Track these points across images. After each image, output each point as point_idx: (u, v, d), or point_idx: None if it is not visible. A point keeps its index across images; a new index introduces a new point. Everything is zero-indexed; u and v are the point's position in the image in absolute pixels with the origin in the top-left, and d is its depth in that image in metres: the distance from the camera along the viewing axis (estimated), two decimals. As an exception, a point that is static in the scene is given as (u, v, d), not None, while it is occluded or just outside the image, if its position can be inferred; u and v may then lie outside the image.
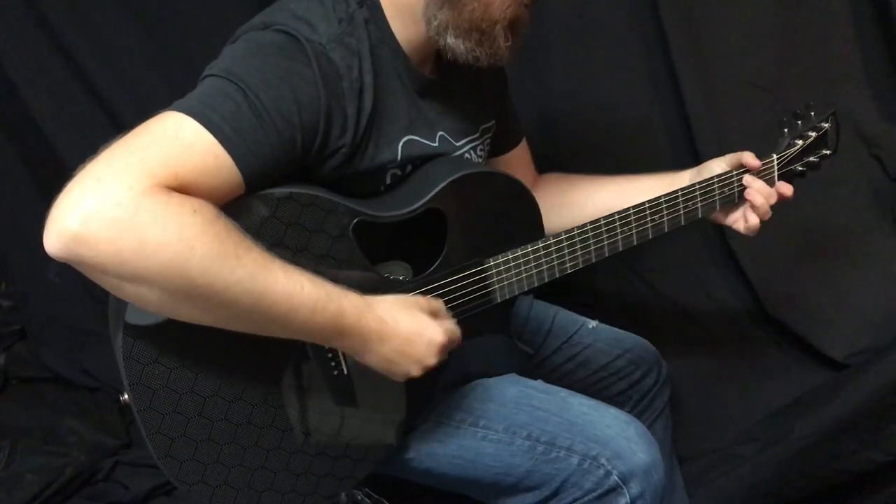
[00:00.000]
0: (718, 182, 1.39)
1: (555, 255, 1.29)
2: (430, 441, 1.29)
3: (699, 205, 1.39)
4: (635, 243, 1.36)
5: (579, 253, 1.31)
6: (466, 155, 1.34)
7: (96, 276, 0.92)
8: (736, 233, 1.45)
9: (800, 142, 1.44)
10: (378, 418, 1.23)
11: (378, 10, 1.17)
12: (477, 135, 1.37)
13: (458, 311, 1.23)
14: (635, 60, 1.91)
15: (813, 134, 1.45)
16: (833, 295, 1.92)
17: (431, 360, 1.11)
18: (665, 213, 1.36)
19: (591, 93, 1.95)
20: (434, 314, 1.13)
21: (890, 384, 1.61)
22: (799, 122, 1.45)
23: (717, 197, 1.40)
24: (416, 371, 1.11)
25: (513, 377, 1.37)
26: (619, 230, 1.33)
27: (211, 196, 0.97)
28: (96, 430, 2.13)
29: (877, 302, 1.87)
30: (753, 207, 1.39)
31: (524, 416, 1.29)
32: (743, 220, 1.42)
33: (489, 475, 1.28)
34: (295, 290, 0.99)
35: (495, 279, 1.26)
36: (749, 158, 1.39)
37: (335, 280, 1.05)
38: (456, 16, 1.15)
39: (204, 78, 1.07)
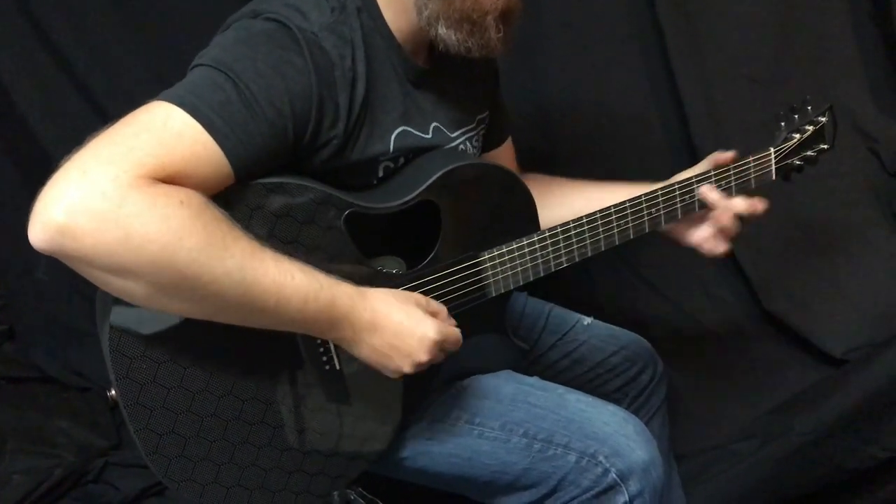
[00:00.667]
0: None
1: (550, 249, 1.27)
2: (424, 439, 1.27)
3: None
4: (632, 237, 1.34)
5: (575, 246, 1.29)
6: (461, 146, 1.32)
7: (82, 269, 0.90)
8: None
9: (797, 136, 1.42)
10: (371, 415, 1.21)
11: None
12: (473, 125, 1.36)
13: (452, 305, 1.21)
14: (632, 54, 1.91)
15: (810, 128, 1.43)
16: (831, 290, 1.92)
17: (423, 356, 1.08)
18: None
19: (587, 87, 1.95)
20: (433, 314, 1.11)
21: (889, 380, 1.61)
22: (796, 116, 1.44)
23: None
24: (407, 367, 1.08)
25: (508, 374, 1.35)
26: (615, 223, 1.31)
27: (199, 187, 0.96)
28: (86, 430, 2.09)
29: (875, 297, 1.87)
30: (710, 204, 1.35)
31: (520, 413, 1.27)
32: (711, 244, 1.39)
33: (485, 473, 1.26)
34: (285, 281, 0.97)
35: (490, 273, 1.24)
36: (719, 154, 1.37)
37: (327, 272, 1.03)
38: (447, 6, 1.14)
39: (193, 67, 1.05)
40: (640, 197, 1.32)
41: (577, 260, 1.31)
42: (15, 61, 2.02)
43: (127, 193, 0.87)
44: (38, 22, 1.99)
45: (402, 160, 1.22)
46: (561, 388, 1.33)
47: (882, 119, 1.88)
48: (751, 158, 1.39)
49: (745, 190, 1.39)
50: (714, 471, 1.77)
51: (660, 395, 1.66)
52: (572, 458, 1.23)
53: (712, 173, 1.36)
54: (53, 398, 2.23)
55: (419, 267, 1.19)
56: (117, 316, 1.01)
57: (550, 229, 1.26)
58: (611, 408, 1.30)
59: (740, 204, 1.36)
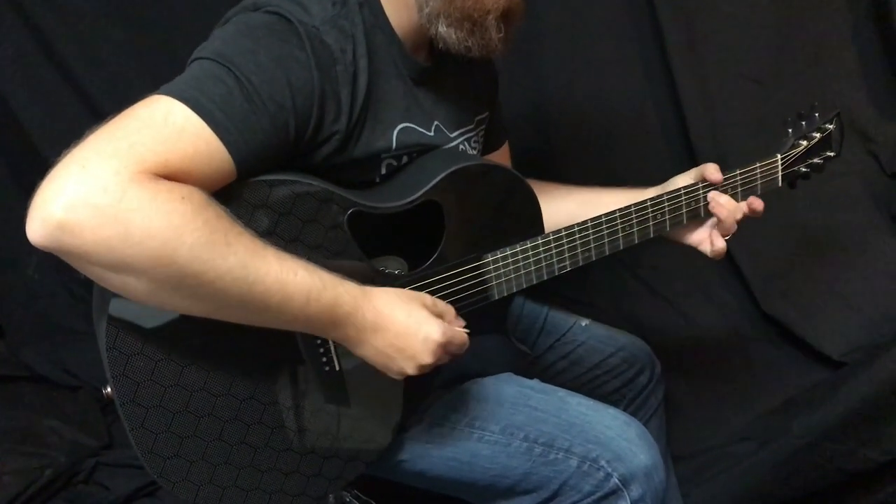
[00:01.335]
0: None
1: (554, 252, 1.26)
2: (424, 442, 1.26)
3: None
4: (636, 241, 1.33)
5: (579, 250, 1.28)
6: (461, 147, 1.31)
7: (81, 266, 0.88)
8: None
9: (804, 142, 1.41)
10: (370, 417, 1.20)
11: None
12: (472, 126, 1.34)
13: (455, 307, 1.19)
14: (630, 53, 1.91)
15: (817, 135, 1.42)
16: (829, 292, 1.91)
17: (427, 358, 1.05)
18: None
19: (585, 86, 1.94)
20: (439, 315, 1.09)
21: (888, 383, 1.60)
22: (803, 122, 1.43)
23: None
24: (411, 368, 1.06)
25: (509, 377, 1.34)
26: (619, 227, 1.30)
27: (201, 183, 0.94)
28: (76, 430, 2.08)
29: (873, 299, 1.87)
30: (719, 222, 1.36)
31: (521, 416, 1.26)
32: (709, 242, 1.39)
33: (485, 477, 1.25)
34: (288, 279, 0.96)
35: (493, 275, 1.23)
36: (711, 172, 1.35)
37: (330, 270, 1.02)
38: (447, 4, 1.13)
39: (193, 61, 1.03)
40: (645, 202, 1.32)
41: (580, 264, 1.30)
42: (7, 60, 2.01)
43: (128, 188, 0.85)
44: (31, 20, 1.98)
45: (404, 158, 1.21)
46: (562, 392, 1.31)
47: (880, 120, 1.87)
48: (757, 165, 1.38)
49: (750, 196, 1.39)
50: (711, 472, 1.77)
51: (657, 397, 1.66)
52: (574, 462, 1.21)
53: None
54: (43, 397, 2.22)
55: (422, 268, 1.18)
56: (115, 312, 0.99)
57: (555, 232, 1.25)
58: (612, 411, 1.29)
59: (745, 207, 1.36)
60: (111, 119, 0.92)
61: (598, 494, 1.21)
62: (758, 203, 1.38)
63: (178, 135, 0.93)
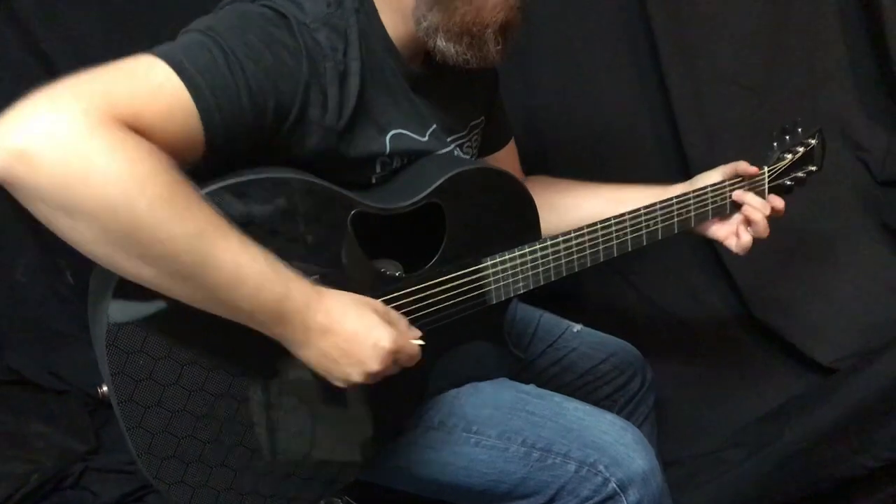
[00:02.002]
0: (712, 191, 1.38)
1: (551, 258, 1.26)
2: (420, 447, 1.25)
3: (692, 213, 1.38)
4: (629, 248, 1.35)
5: (575, 256, 1.28)
6: (455, 153, 1.31)
7: (32, 204, 0.84)
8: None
9: (789, 156, 1.45)
10: (366, 420, 1.19)
11: (368, 1, 1.14)
12: (465, 132, 1.34)
13: (452, 311, 1.20)
14: (623, 60, 1.92)
15: (801, 149, 1.46)
16: (819, 298, 1.92)
17: (375, 365, 1.00)
18: (659, 219, 1.35)
19: (578, 92, 1.94)
20: (391, 324, 1.04)
21: (879, 389, 1.61)
22: (787, 136, 1.46)
23: (710, 206, 1.39)
24: (356, 375, 1.01)
25: (505, 381, 1.34)
26: (614, 234, 1.31)
27: (168, 145, 0.90)
28: (64, 434, 2.06)
29: (863, 306, 1.88)
30: (752, 223, 1.39)
31: (519, 421, 1.25)
32: (735, 237, 1.41)
33: (482, 482, 1.25)
34: (244, 261, 0.92)
35: (491, 280, 1.23)
36: (745, 166, 1.39)
37: (330, 271, 1.02)
38: (446, 19, 1.13)
39: (183, 34, 1.02)
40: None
41: (588, 265, 1.31)
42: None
43: (96, 129, 0.82)
44: (18, 20, 1.97)
45: (397, 162, 1.20)
46: (559, 397, 1.31)
47: (871, 127, 1.89)
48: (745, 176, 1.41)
49: (738, 207, 1.41)
50: (703, 478, 1.78)
51: (649, 403, 1.67)
52: (571, 467, 1.22)
53: (709, 188, 1.38)
54: (30, 401, 2.20)
55: (421, 270, 1.17)
56: (115, 309, 0.97)
57: (552, 237, 1.25)
58: (609, 417, 1.29)
59: (779, 202, 1.41)
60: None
61: (596, 499, 1.21)
62: (779, 201, 1.41)
63: (154, 91, 0.91)
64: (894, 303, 1.85)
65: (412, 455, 1.26)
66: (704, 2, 1.84)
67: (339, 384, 1.04)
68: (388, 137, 1.17)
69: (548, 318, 1.63)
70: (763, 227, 1.39)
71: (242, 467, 1.10)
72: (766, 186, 1.43)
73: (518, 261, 1.24)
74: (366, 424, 1.19)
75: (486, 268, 1.22)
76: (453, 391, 1.30)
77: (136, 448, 1.03)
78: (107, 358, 0.98)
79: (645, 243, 1.36)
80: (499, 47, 1.16)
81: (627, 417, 1.60)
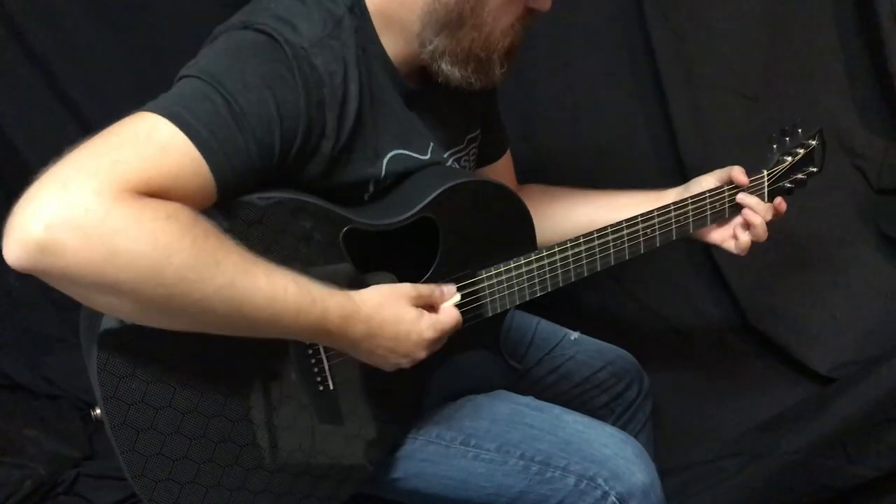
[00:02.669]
0: (710, 197, 1.37)
1: (547, 269, 1.25)
2: (418, 461, 1.25)
3: (690, 220, 1.37)
4: (627, 258, 1.33)
5: (572, 267, 1.27)
6: (454, 167, 1.30)
7: (63, 287, 0.86)
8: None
9: (788, 158, 1.43)
10: (363, 436, 1.19)
11: (367, 20, 1.12)
12: (462, 146, 1.33)
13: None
14: (620, 68, 1.91)
15: (801, 151, 1.44)
16: (816, 307, 1.92)
17: (421, 353, 1.09)
18: (657, 227, 1.34)
19: (575, 100, 1.94)
20: (426, 303, 1.11)
21: (876, 400, 1.62)
22: (787, 138, 1.44)
23: (709, 212, 1.38)
24: (407, 364, 1.09)
25: (503, 394, 1.33)
26: (611, 244, 1.30)
27: (183, 202, 0.91)
28: (57, 440, 2.05)
29: (860, 314, 1.88)
30: (751, 227, 1.37)
31: (517, 434, 1.25)
32: (733, 238, 1.40)
33: (481, 496, 1.24)
34: (277, 295, 0.94)
35: (487, 292, 1.22)
36: (738, 174, 1.37)
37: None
38: (454, 44, 1.12)
39: (180, 78, 1.00)
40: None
41: (585, 275, 1.30)
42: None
43: (112, 208, 0.82)
44: (15, 26, 1.95)
45: (391, 181, 1.18)
46: (558, 409, 1.31)
47: (867, 135, 1.89)
48: None
49: (737, 212, 1.40)
50: (699, 487, 1.77)
51: (645, 411, 1.66)
52: (571, 480, 1.21)
53: (706, 194, 1.36)
54: (23, 407, 2.19)
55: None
56: (107, 333, 0.96)
57: (548, 248, 1.24)
58: (609, 429, 1.29)
59: (781, 204, 1.40)
60: (93, 136, 0.90)
61: (596, 512, 1.20)
62: (783, 204, 1.41)
63: (161, 152, 0.90)
64: (891, 310, 1.85)
65: (410, 469, 1.25)
66: (703, 10, 1.83)
67: (390, 370, 1.11)
68: (385, 161, 1.15)
69: (545, 326, 1.63)
70: (762, 231, 1.37)
71: (237, 487, 1.09)
72: (766, 190, 1.42)
73: (514, 273, 1.23)
74: (363, 439, 1.19)
75: (481, 280, 1.21)
76: (451, 404, 1.29)
77: (131, 471, 1.02)
78: (98, 383, 0.97)
79: (643, 251, 1.35)
80: (503, 69, 1.17)
81: (625, 426, 1.61)
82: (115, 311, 0.90)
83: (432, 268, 1.17)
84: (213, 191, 0.95)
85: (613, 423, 1.57)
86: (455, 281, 1.19)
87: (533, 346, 1.60)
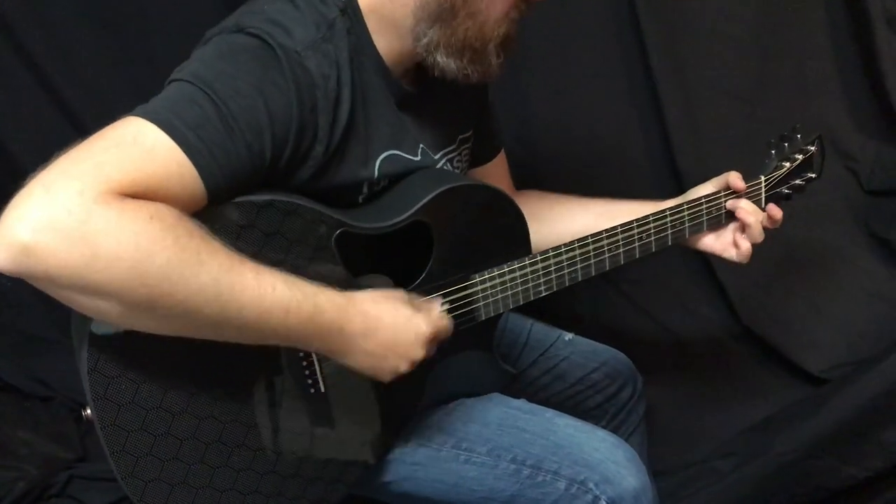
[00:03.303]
0: (706, 202, 1.37)
1: (541, 273, 1.25)
2: (409, 464, 1.25)
3: (686, 224, 1.36)
4: (622, 262, 1.33)
5: (566, 271, 1.27)
6: (445, 167, 1.29)
7: (50, 290, 0.86)
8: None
9: (787, 164, 1.42)
10: (354, 439, 1.18)
11: (359, 21, 1.11)
12: (454, 146, 1.32)
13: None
14: (614, 69, 1.91)
15: (799, 157, 1.43)
16: (810, 308, 1.93)
17: (419, 352, 1.07)
18: (652, 231, 1.33)
19: (569, 104, 1.94)
20: (417, 308, 1.09)
21: (869, 401, 1.62)
22: (786, 144, 1.44)
23: (705, 217, 1.37)
24: (404, 366, 1.07)
25: (496, 397, 1.33)
26: (605, 248, 1.30)
27: (171, 205, 0.91)
28: (50, 442, 2.04)
29: (853, 316, 1.89)
30: (746, 228, 1.37)
31: (509, 438, 1.25)
32: (734, 247, 1.40)
33: (472, 500, 1.24)
34: (265, 293, 0.93)
35: (480, 296, 1.22)
36: (735, 179, 1.37)
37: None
38: (448, 35, 1.11)
39: (171, 82, 1.00)
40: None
41: (579, 279, 1.30)
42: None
43: (93, 209, 0.82)
44: (8, 28, 1.94)
45: (385, 183, 1.18)
46: (550, 412, 1.30)
47: (860, 137, 1.90)
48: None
49: (733, 217, 1.40)
50: (693, 488, 1.78)
51: (639, 412, 1.66)
52: (562, 484, 1.21)
53: (703, 199, 1.37)
54: (15, 408, 2.17)
55: (409, 288, 1.16)
56: (96, 333, 0.96)
57: (542, 252, 1.24)
58: (601, 433, 1.28)
59: (776, 212, 1.40)
60: (81, 141, 0.90)
61: (586, 517, 1.20)
62: (777, 211, 1.40)
63: (146, 155, 0.90)
64: (884, 312, 1.86)
65: (401, 471, 1.25)
66: (696, 13, 1.84)
67: (388, 378, 1.08)
68: (377, 162, 1.15)
69: (539, 328, 1.62)
70: (758, 232, 1.37)
71: (228, 488, 1.09)
72: (763, 196, 1.42)
73: (507, 277, 1.22)
74: (355, 442, 1.18)
75: (474, 284, 1.20)
76: (443, 408, 1.29)
77: (121, 472, 1.02)
78: (89, 383, 0.97)
79: (638, 256, 1.34)
80: (499, 60, 1.16)
81: (618, 427, 1.61)
82: (104, 314, 0.89)
83: (425, 271, 1.17)
84: (203, 195, 0.95)
85: (607, 424, 1.58)
86: (448, 285, 1.18)
87: (527, 347, 1.60)
